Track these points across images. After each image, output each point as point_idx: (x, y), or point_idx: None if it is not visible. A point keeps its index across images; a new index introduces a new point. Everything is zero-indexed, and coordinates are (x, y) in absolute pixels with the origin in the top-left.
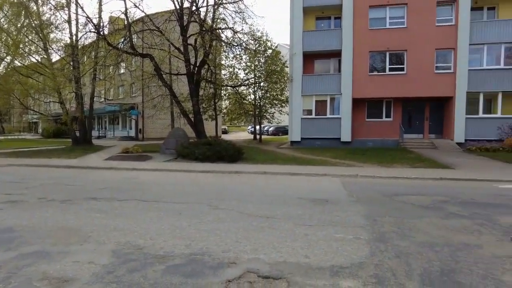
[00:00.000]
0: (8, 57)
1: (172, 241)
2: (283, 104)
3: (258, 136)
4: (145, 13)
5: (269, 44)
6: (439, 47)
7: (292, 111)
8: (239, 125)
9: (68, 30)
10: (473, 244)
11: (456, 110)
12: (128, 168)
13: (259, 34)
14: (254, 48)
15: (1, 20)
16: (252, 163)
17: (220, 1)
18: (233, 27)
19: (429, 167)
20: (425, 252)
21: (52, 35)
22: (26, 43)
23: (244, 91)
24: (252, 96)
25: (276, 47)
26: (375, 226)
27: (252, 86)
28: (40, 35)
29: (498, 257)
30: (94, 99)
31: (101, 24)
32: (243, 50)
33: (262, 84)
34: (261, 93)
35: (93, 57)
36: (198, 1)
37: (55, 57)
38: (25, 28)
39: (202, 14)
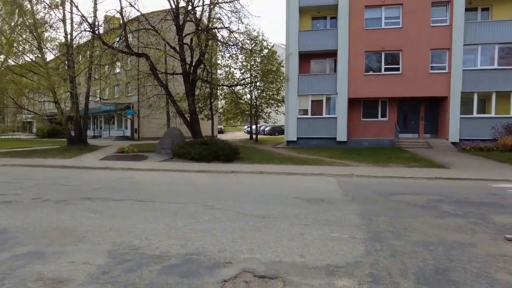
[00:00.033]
0: (2, 56)
1: (168, 241)
2: (279, 104)
3: (254, 136)
4: (140, 12)
5: (265, 43)
6: (434, 47)
7: (288, 110)
8: (235, 125)
9: (62, 29)
10: (467, 242)
11: (450, 110)
12: (124, 168)
13: (255, 33)
14: (250, 48)
15: None
16: (248, 163)
17: (216, 1)
18: (229, 27)
19: (424, 166)
20: (420, 251)
21: (46, 34)
22: (20, 42)
23: (240, 91)
24: (248, 96)
25: (272, 46)
26: (371, 225)
27: (248, 86)
28: (34, 34)
29: (491, 256)
30: (89, 99)
31: (96, 23)
32: (239, 50)
33: (258, 83)
34: (257, 92)
35: (88, 56)
36: (194, 0)
37: (49, 56)
38: (19, 27)
39: (198, 14)
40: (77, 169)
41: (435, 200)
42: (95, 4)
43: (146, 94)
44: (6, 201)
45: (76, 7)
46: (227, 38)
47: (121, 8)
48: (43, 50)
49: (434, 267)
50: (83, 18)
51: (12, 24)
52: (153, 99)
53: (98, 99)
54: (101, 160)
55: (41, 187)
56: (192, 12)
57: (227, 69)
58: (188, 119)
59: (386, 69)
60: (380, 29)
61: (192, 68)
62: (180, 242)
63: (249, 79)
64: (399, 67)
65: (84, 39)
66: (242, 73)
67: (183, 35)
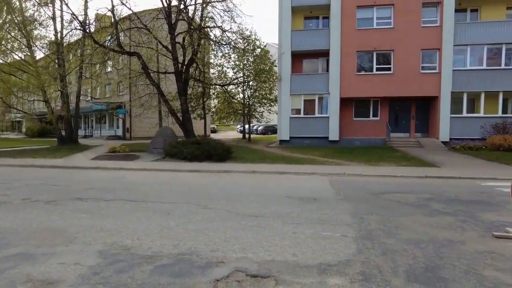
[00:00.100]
0: None
1: (160, 241)
2: (272, 103)
3: (247, 135)
4: (132, 11)
5: (257, 43)
6: (424, 47)
7: (281, 110)
8: (228, 124)
9: (52, 27)
10: (456, 240)
11: (441, 110)
12: (115, 168)
13: (247, 33)
14: (242, 47)
15: None
16: (241, 162)
17: (208, 0)
18: (221, 26)
19: (414, 165)
20: (410, 249)
21: (36, 32)
22: (9, 40)
23: (233, 90)
24: (241, 95)
25: (265, 46)
26: (362, 224)
27: (241, 85)
28: (23, 31)
29: (480, 253)
30: (81, 98)
31: (87, 21)
32: (231, 49)
33: (251, 83)
34: (250, 92)
35: (79, 55)
36: None
37: (39, 55)
38: (8, 25)
39: (191, 13)
40: (67, 169)
41: (425, 199)
42: (86, 2)
43: (138, 93)
44: None
45: (66, 4)
46: (220, 37)
47: (113, 6)
48: (33, 48)
49: (424, 264)
50: (74, 16)
51: (0, 21)
52: (145, 98)
53: (89, 98)
54: (92, 160)
55: (31, 188)
56: (184, 11)
57: (219, 68)
58: (181, 118)
59: (377, 69)
60: (371, 29)
61: (184, 67)
62: (173, 242)
63: (241, 78)
64: (390, 67)
65: (75, 38)
66: (235, 73)
67: (176, 34)
